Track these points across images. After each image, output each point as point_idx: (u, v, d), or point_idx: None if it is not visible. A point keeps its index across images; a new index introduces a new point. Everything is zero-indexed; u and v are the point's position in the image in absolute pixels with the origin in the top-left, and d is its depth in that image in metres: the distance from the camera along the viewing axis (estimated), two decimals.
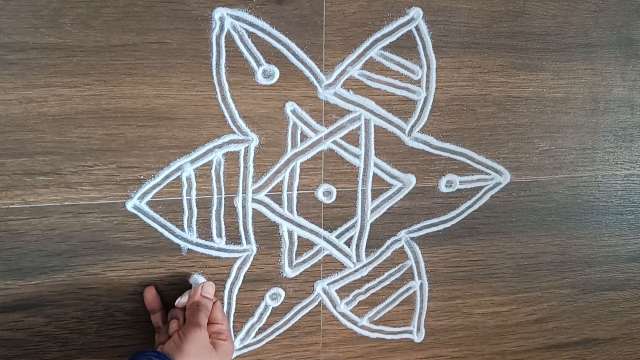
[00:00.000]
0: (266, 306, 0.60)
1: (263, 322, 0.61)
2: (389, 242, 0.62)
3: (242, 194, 0.57)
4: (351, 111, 0.57)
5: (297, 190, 0.58)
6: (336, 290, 0.62)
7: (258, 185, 0.57)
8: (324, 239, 0.60)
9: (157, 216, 0.55)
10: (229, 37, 0.53)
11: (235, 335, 0.60)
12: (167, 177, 0.54)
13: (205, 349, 0.49)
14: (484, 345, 0.68)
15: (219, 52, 0.53)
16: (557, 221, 0.66)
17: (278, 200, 0.58)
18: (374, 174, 0.59)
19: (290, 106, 0.56)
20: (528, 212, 0.65)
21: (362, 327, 0.63)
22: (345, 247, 0.61)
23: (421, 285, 0.64)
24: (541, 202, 0.65)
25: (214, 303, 0.55)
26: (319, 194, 0.59)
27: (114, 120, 0.52)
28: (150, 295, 0.55)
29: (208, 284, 0.55)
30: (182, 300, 0.54)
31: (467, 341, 0.67)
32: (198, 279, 0.57)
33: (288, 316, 0.61)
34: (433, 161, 0.61)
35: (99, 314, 0.56)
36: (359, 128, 0.58)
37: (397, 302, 0.64)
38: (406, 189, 0.61)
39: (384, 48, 0.57)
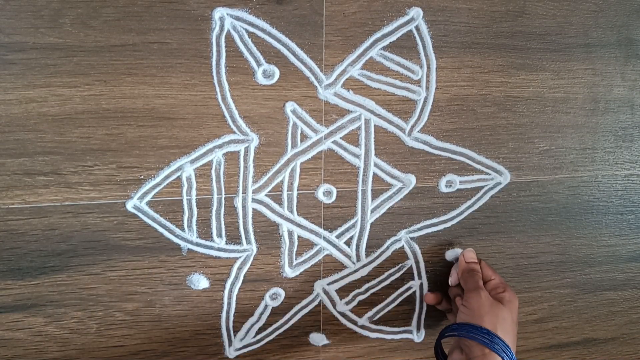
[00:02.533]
0: (266, 306, 0.60)
1: (263, 322, 0.61)
2: (389, 242, 0.62)
3: (242, 194, 0.57)
4: (351, 111, 0.57)
5: (297, 190, 0.58)
6: (336, 290, 0.62)
7: (258, 185, 0.57)
8: (324, 239, 0.60)
9: (157, 216, 0.55)
10: (229, 37, 0.53)
11: (235, 335, 0.60)
12: (167, 177, 0.54)
13: (492, 306, 0.53)
14: None
15: (219, 52, 0.53)
16: (557, 221, 0.66)
17: (278, 200, 0.58)
18: (374, 174, 0.59)
19: (290, 106, 0.56)
20: (528, 212, 0.65)
21: (362, 327, 0.63)
22: (345, 247, 0.61)
23: (421, 285, 0.64)
24: (541, 202, 0.65)
25: (480, 263, 0.60)
26: (319, 194, 0.59)
27: (114, 120, 0.52)
28: (430, 297, 0.62)
29: (467, 250, 0.61)
30: (452, 278, 0.60)
31: None
32: (199, 278, 0.57)
33: (288, 316, 0.61)
34: (433, 161, 0.61)
35: (99, 314, 0.56)
36: (359, 128, 0.58)
37: (397, 302, 0.64)
38: (406, 189, 0.61)
39: (384, 48, 0.57)
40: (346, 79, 0.56)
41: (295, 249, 0.60)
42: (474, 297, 0.54)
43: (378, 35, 0.56)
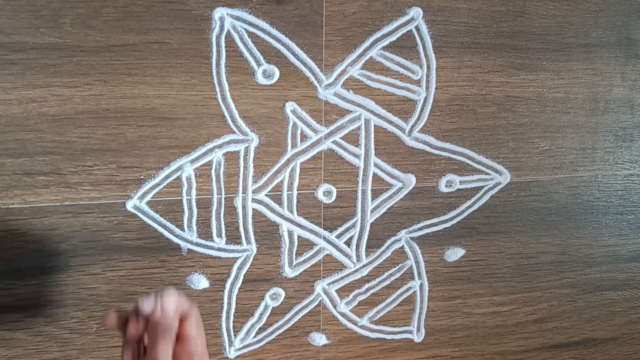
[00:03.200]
0: (266, 306, 0.60)
1: (263, 322, 0.61)
2: (389, 242, 0.62)
3: (242, 194, 0.57)
4: (351, 111, 0.57)
5: (297, 190, 0.58)
6: (336, 290, 0.62)
7: (258, 185, 0.57)
8: (324, 239, 0.60)
9: (157, 216, 0.55)
10: (229, 37, 0.53)
11: (235, 335, 0.60)
12: (167, 177, 0.54)
13: None
14: (484, 345, 0.68)
15: (219, 52, 0.53)
16: (557, 221, 0.66)
17: (278, 200, 0.58)
18: (374, 174, 0.59)
19: (290, 106, 0.56)
20: (528, 212, 0.65)
21: (362, 327, 0.63)
22: (345, 247, 0.61)
23: (421, 285, 0.64)
24: (541, 202, 0.65)
25: (187, 314, 0.41)
26: (319, 194, 0.59)
27: (114, 120, 0.52)
28: (112, 318, 0.42)
29: (167, 294, 0.40)
30: (146, 304, 0.40)
31: (467, 341, 0.67)
32: (199, 278, 0.57)
33: (288, 316, 0.61)
34: (433, 161, 0.61)
35: (99, 314, 0.56)
36: (359, 128, 0.58)
37: (397, 302, 0.64)
38: (406, 189, 0.61)
39: (384, 48, 0.57)
40: (346, 79, 0.56)
41: (295, 249, 0.59)
42: None
43: (378, 35, 0.56)
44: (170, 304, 0.40)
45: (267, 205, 0.57)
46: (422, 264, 0.63)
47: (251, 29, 0.53)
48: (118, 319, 0.41)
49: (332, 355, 0.64)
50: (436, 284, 0.64)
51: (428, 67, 0.58)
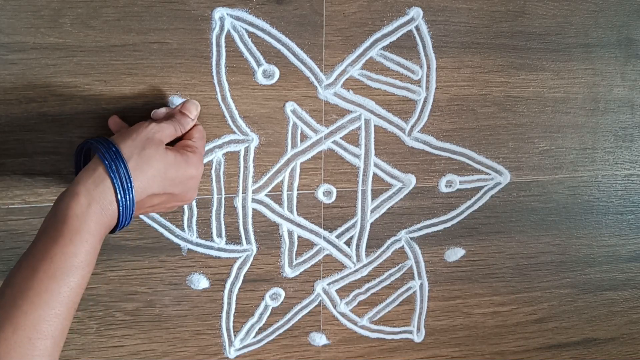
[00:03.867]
0: (266, 306, 0.60)
1: (263, 322, 0.61)
2: (389, 242, 0.62)
3: (242, 194, 0.57)
4: (351, 111, 0.57)
5: (297, 190, 0.58)
6: (336, 290, 0.62)
7: (258, 185, 0.57)
8: (324, 239, 0.60)
9: (157, 216, 0.55)
10: (229, 37, 0.53)
11: (235, 335, 0.60)
12: None
13: (150, 142, 0.42)
14: (484, 345, 0.68)
15: (219, 52, 0.53)
16: (557, 221, 0.66)
17: (278, 200, 0.58)
18: (374, 174, 0.59)
19: (290, 106, 0.56)
20: (528, 212, 0.65)
21: (362, 327, 0.63)
22: (345, 247, 0.61)
23: (421, 285, 0.64)
24: (541, 202, 0.65)
25: (194, 126, 0.48)
26: (319, 194, 0.59)
27: None
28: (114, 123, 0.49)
29: (191, 101, 0.48)
30: (159, 111, 0.47)
31: (467, 341, 0.67)
32: (199, 278, 0.57)
33: (288, 316, 0.61)
34: (433, 161, 0.61)
35: (99, 314, 0.56)
36: (359, 128, 0.58)
37: (397, 302, 0.64)
38: (406, 189, 0.61)
39: (384, 48, 0.57)
40: (346, 79, 0.56)
41: (295, 249, 0.59)
42: (143, 124, 0.44)
43: (378, 35, 0.56)
44: (192, 106, 0.48)
45: (267, 205, 0.57)
46: (422, 264, 0.63)
47: (251, 29, 0.53)
48: (118, 125, 0.48)
49: (332, 355, 0.64)
50: (436, 284, 0.64)
51: (428, 67, 0.58)
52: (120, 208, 0.40)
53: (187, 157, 0.45)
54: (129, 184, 0.40)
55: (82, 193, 0.38)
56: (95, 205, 0.38)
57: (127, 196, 0.40)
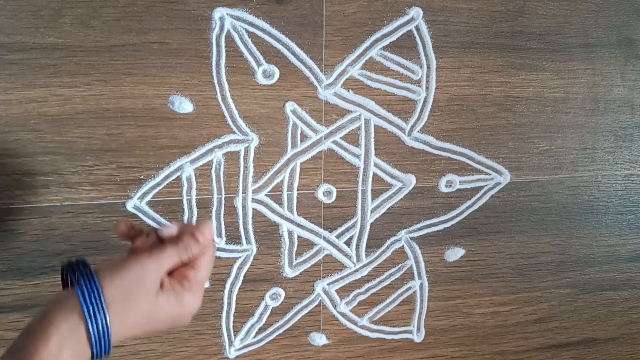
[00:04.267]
0: (266, 306, 0.60)
1: (263, 322, 0.61)
2: (389, 242, 0.62)
3: (242, 194, 0.57)
4: (351, 111, 0.57)
5: (297, 190, 0.58)
6: (336, 290, 0.62)
7: (258, 185, 0.57)
8: (324, 239, 0.60)
9: (157, 216, 0.55)
10: (229, 37, 0.53)
11: (235, 335, 0.60)
12: (167, 177, 0.54)
13: (140, 286, 0.37)
14: (484, 345, 0.68)
15: (219, 52, 0.53)
16: (557, 221, 0.66)
17: (278, 200, 0.58)
18: (374, 174, 0.59)
19: (290, 106, 0.56)
20: (528, 212, 0.65)
21: (362, 327, 0.63)
22: (345, 247, 0.61)
23: (421, 285, 0.64)
24: (541, 202, 0.65)
25: (204, 252, 0.41)
26: (319, 194, 0.59)
27: (114, 120, 0.52)
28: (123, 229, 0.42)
29: (206, 223, 0.41)
30: (165, 231, 0.41)
31: (467, 341, 0.67)
32: None
33: (288, 316, 0.61)
34: (433, 161, 0.61)
35: None
36: (359, 128, 0.58)
37: (397, 302, 0.64)
38: (406, 189, 0.61)
39: (384, 48, 0.57)
40: (346, 79, 0.56)
41: (295, 249, 0.59)
42: (132, 258, 0.38)
43: (378, 35, 0.56)
44: (207, 230, 0.40)
45: (267, 205, 0.57)
46: (422, 264, 0.63)
47: (251, 29, 0.53)
48: (128, 230, 0.42)
49: (332, 355, 0.64)
50: (436, 284, 0.64)
51: (428, 67, 0.58)
52: (94, 352, 0.37)
53: (182, 298, 0.39)
54: (106, 332, 0.37)
55: (53, 338, 0.35)
56: (66, 350, 0.36)
57: (103, 343, 0.37)
